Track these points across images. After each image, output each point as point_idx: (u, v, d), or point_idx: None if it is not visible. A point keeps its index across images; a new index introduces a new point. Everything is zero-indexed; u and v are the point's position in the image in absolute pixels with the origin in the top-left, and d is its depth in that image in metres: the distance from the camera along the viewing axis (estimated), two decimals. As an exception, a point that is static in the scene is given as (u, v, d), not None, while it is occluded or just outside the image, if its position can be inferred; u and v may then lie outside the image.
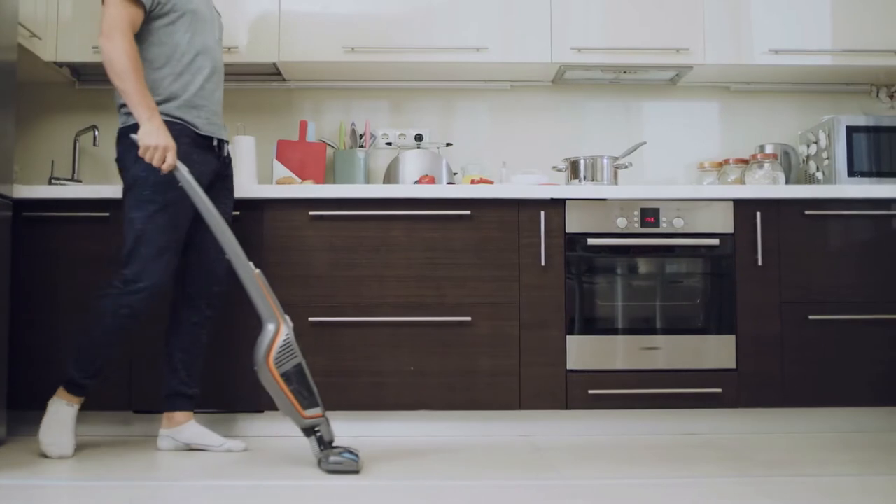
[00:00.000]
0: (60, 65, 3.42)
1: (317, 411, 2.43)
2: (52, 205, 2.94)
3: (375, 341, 2.88)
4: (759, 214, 2.98)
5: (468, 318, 2.93)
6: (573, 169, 3.33)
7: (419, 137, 3.51)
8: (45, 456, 2.55)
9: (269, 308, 2.48)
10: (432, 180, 3.24)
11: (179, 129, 2.59)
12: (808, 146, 3.52)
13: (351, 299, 2.93)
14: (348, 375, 2.83)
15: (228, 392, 2.90)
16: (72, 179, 3.49)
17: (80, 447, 2.72)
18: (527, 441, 2.85)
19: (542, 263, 2.95)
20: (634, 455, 2.60)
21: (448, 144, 3.57)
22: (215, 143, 2.72)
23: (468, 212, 2.95)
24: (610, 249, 3.00)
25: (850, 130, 3.33)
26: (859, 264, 3.01)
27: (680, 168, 3.69)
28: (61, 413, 2.59)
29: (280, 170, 3.38)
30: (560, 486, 2.22)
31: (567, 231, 2.97)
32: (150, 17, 2.59)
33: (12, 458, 2.57)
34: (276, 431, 2.92)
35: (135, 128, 2.53)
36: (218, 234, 2.50)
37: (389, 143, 3.55)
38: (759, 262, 2.98)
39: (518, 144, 3.68)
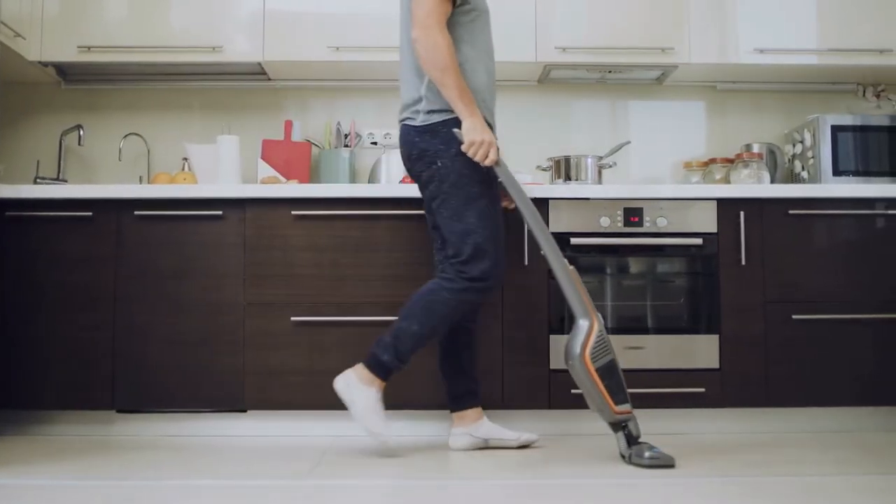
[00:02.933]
0: (45, 64, 3.40)
1: (627, 407, 2.45)
2: (36, 204, 2.93)
3: (358, 341, 2.87)
4: (742, 214, 2.98)
5: (452, 318, 2.92)
6: (558, 168, 3.32)
7: (405, 137, 3.50)
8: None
9: (582, 304, 2.49)
10: (417, 180, 3.23)
11: None
12: (794, 145, 3.51)
13: (334, 299, 2.93)
14: (331, 375, 2.80)
15: (212, 391, 2.90)
16: (57, 179, 3.49)
17: (65, 447, 2.72)
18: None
19: (526, 263, 2.95)
20: (618, 455, 2.59)
21: (434, 144, 3.56)
22: None
23: (452, 211, 2.95)
24: (593, 249, 3.00)
25: (836, 130, 3.33)
26: (844, 264, 3.01)
27: (666, 168, 3.70)
28: (376, 400, 2.53)
29: (265, 169, 3.38)
30: (549, 486, 2.21)
31: (550, 230, 2.97)
32: (452, 12, 2.54)
33: (-7, 457, 2.57)
34: (261, 431, 2.92)
35: (438, 127, 2.52)
36: (536, 230, 2.52)
37: (375, 143, 3.55)
38: (743, 262, 2.97)
39: (503, 143, 3.60)
